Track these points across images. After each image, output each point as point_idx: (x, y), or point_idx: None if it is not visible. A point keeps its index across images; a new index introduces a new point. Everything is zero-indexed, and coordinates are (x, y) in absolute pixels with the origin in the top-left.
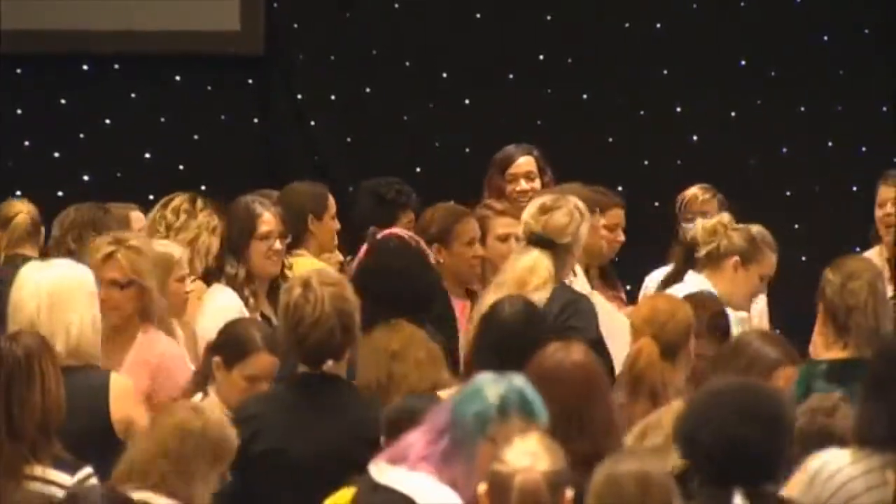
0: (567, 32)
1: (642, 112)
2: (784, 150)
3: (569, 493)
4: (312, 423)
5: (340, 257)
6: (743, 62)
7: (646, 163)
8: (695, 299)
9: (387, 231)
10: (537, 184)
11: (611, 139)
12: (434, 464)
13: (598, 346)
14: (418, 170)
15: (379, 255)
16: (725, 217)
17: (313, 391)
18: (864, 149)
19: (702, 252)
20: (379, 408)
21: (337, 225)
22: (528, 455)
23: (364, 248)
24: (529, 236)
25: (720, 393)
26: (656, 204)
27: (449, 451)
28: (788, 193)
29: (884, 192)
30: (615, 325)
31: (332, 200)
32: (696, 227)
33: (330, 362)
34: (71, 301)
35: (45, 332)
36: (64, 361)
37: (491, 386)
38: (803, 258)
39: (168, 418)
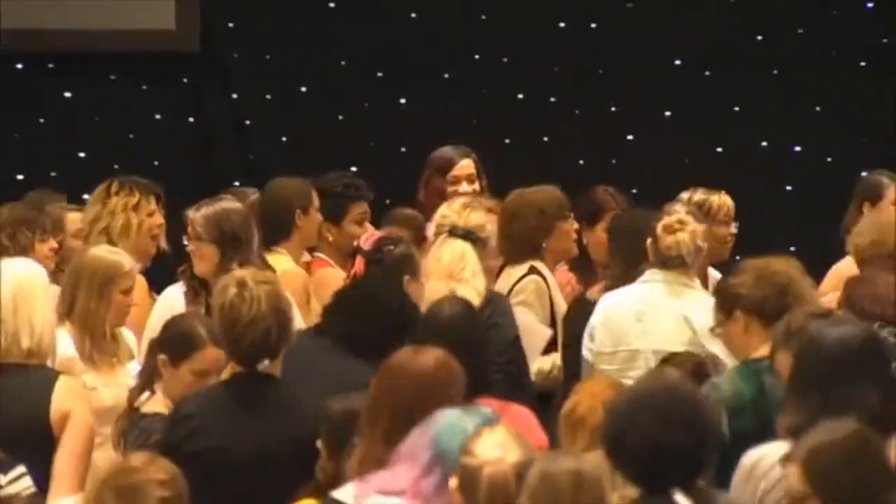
0: (502, 32)
1: (577, 111)
2: (719, 149)
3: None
4: (249, 422)
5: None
6: (678, 62)
7: (581, 162)
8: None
9: (371, 238)
10: (477, 186)
11: (546, 138)
12: (428, 499)
13: (516, 343)
14: (354, 168)
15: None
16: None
17: (250, 390)
18: (797, 148)
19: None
20: (316, 408)
21: (320, 217)
22: (497, 447)
23: (358, 261)
24: (453, 229)
25: (643, 397)
26: None
27: (440, 484)
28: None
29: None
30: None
31: (315, 194)
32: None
33: (266, 362)
34: (35, 300)
35: (9, 330)
36: (24, 359)
37: (464, 418)
38: (737, 257)
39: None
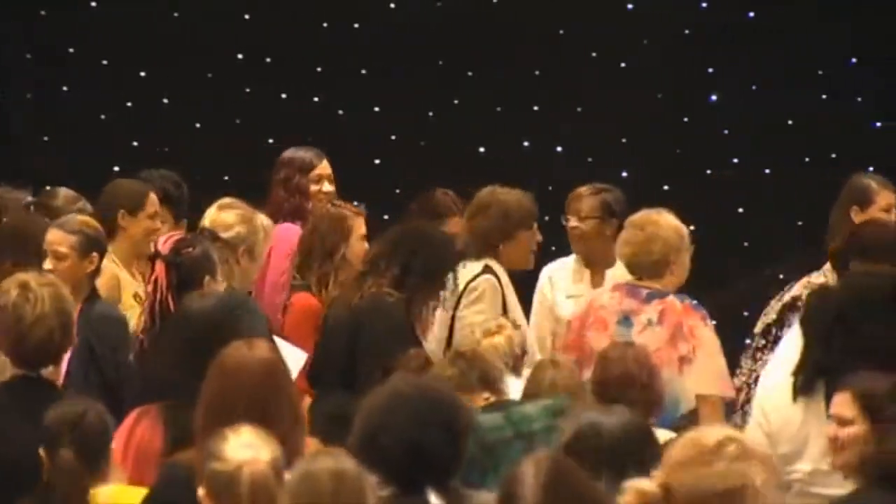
0: (266, 32)
1: (341, 112)
2: (482, 149)
3: (288, 477)
4: (17, 427)
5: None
6: (440, 62)
7: (377, 162)
8: None
9: (170, 241)
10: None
11: (310, 138)
12: None
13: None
14: (116, 168)
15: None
16: None
17: (29, 395)
18: (559, 148)
19: None
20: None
21: (156, 225)
22: (248, 447)
23: (158, 265)
24: (202, 230)
25: (397, 397)
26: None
27: None
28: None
29: (885, 197)
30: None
31: (152, 198)
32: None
33: (50, 367)
34: None
35: None
36: None
37: None
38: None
39: None
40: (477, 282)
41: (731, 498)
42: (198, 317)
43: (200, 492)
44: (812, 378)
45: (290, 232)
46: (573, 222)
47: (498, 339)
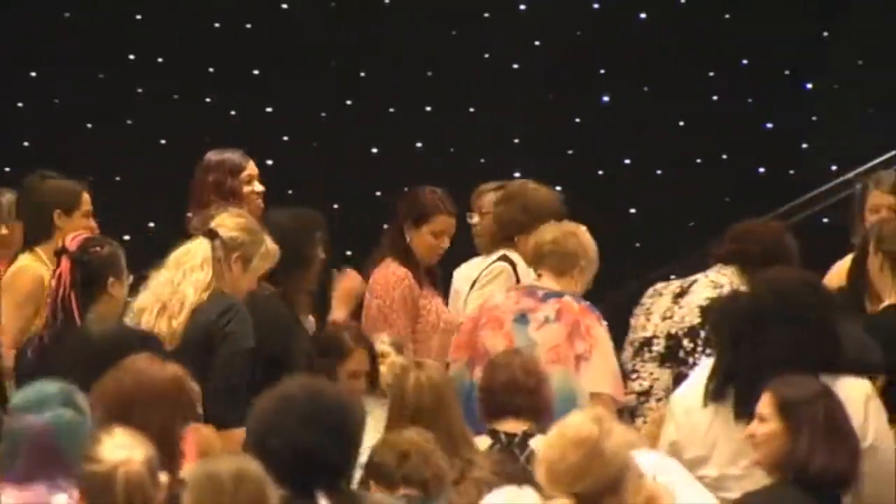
0: (157, 32)
1: (233, 112)
2: (375, 150)
3: (163, 478)
4: None
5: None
6: (333, 63)
7: (269, 162)
8: None
9: (77, 239)
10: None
11: (208, 139)
12: None
13: (247, 354)
14: (7, 169)
15: None
16: None
17: None
18: (451, 149)
19: None
20: None
21: (92, 223)
22: (122, 448)
23: (64, 262)
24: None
25: (287, 400)
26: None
27: None
28: (378, 193)
29: (876, 197)
30: None
31: (86, 197)
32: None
33: None
34: None
35: None
36: None
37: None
38: None
39: None
40: (491, 268)
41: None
42: (96, 344)
43: (75, 494)
44: (722, 383)
45: None
46: (476, 219)
47: (382, 368)
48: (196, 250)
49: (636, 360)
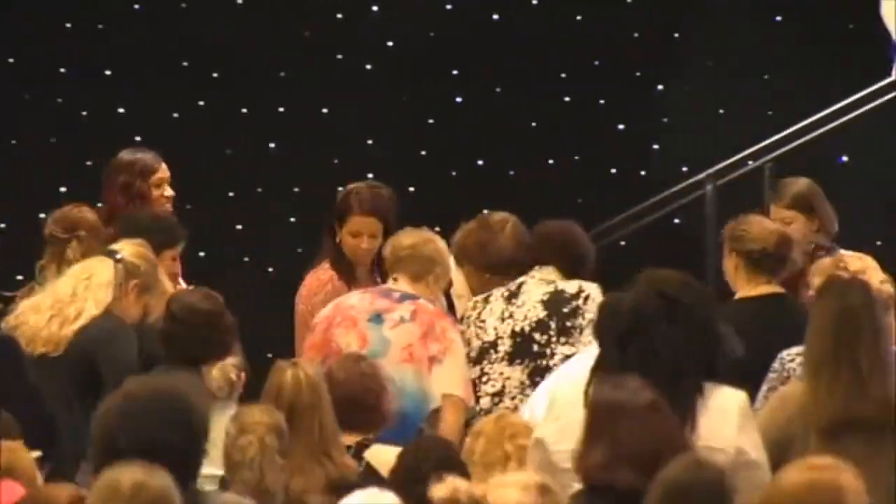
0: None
1: (84, 113)
2: (228, 151)
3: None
4: None
5: None
6: (185, 63)
7: (88, 163)
8: None
9: None
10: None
11: (53, 139)
12: None
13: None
14: None
15: None
16: None
17: None
18: (305, 150)
19: None
20: None
21: None
22: None
23: None
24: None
25: (131, 399)
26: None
27: None
28: (231, 194)
29: (775, 212)
30: None
31: None
32: None
33: None
34: None
35: None
36: None
37: None
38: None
39: None
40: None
41: None
42: None
43: None
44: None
45: None
46: None
47: (213, 370)
48: (102, 269)
49: (483, 364)
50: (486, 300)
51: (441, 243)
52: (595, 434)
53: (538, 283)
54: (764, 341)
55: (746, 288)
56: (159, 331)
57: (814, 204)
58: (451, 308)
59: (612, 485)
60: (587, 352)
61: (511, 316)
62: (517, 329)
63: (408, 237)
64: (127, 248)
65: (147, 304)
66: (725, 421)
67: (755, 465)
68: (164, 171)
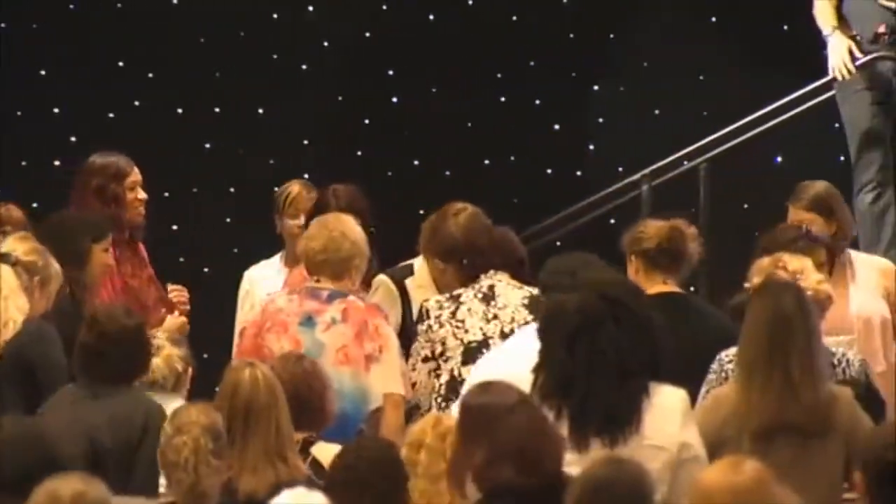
0: None
1: (20, 113)
2: (163, 151)
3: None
4: None
5: None
6: (121, 63)
7: (24, 164)
8: None
9: None
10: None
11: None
12: None
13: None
14: None
15: None
16: None
17: None
18: (240, 150)
19: None
20: None
21: None
22: None
23: None
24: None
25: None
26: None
27: None
28: (167, 195)
29: (794, 214)
30: None
31: None
32: None
33: None
34: None
35: None
36: None
37: None
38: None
39: None
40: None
41: None
42: None
43: None
44: (554, 386)
45: None
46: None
47: (156, 360)
48: (5, 276)
49: (471, 365)
50: (454, 299)
51: (351, 229)
52: (472, 437)
53: (509, 287)
54: None
55: (646, 288)
56: (83, 344)
57: (833, 206)
58: (403, 293)
59: (500, 484)
60: (505, 344)
61: (496, 317)
62: (506, 330)
63: (317, 240)
64: (17, 247)
65: (49, 294)
66: (669, 418)
67: (699, 460)
68: (136, 174)
